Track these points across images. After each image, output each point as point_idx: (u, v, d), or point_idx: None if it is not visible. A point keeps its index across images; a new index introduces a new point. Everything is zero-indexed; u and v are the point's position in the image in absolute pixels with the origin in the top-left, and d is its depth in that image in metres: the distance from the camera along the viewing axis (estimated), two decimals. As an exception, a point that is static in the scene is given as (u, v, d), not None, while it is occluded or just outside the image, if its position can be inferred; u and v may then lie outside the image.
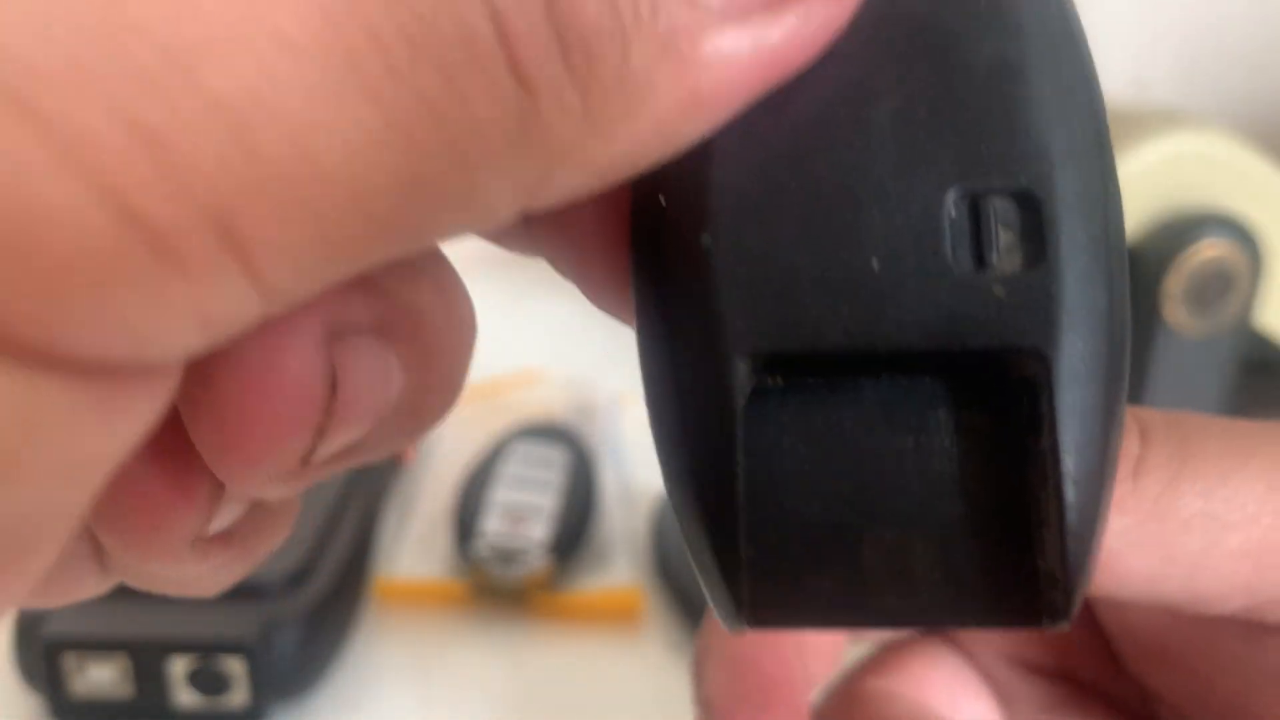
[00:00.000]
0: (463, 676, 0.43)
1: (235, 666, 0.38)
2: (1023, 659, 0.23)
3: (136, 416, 0.11)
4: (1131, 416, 0.18)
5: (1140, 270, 0.52)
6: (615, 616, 0.45)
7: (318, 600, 0.40)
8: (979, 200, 0.13)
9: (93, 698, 0.38)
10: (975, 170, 0.13)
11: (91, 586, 0.15)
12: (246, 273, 0.10)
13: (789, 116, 0.13)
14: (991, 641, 0.23)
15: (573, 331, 0.62)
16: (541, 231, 0.15)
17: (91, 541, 0.15)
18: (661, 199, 0.14)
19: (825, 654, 0.21)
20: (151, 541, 0.14)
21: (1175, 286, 0.51)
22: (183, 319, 0.10)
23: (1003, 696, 0.23)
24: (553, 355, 0.63)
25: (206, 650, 0.38)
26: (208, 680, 0.38)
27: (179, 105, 0.09)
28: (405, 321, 0.14)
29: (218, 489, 0.14)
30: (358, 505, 0.46)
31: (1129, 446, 0.17)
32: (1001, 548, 0.14)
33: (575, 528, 0.48)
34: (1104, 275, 0.13)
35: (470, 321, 0.16)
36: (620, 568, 0.48)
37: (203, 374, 0.13)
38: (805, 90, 0.13)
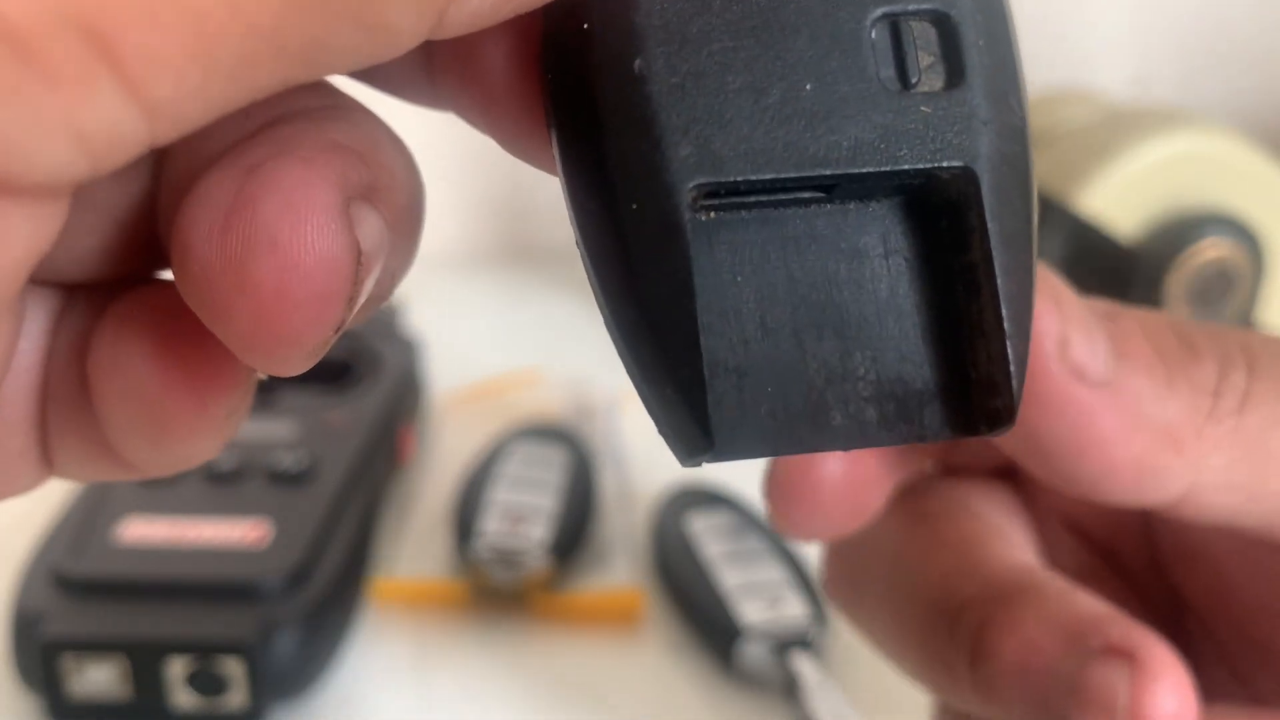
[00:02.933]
0: (462, 677, 0.43)
1: (234, 667, 0.38)
2: (1077, 521, 0.23)
3: (20, 241, 0.11)
4: (1239, 346, 0.18)
5: (1142, 269, 0.52)
6: (615, 617, 0.45)
7: (317, 601, 0.40)
8: (898, 22, 0.14)
9: (91, 699, 0.38)
10: None
11: (27, 482, 0.15)
12: (122, 84, 0.10)
13: None
14: (1050, 499, 0.23)
15: (573, 331, 0.62)
16: (447, 77, 0.15)
17: (40, 436, 0.15)
18: (586, 25, 0.13)
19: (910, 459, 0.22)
20: (200, 420, 0.14)
21: (1177, 286, 0.51)
22: (57, 133, 0.10)
23: (1048, 549, 0.23)
24: (553, 355, 0.63)
25: (205, 651, 0.37)
26: (206, 681, 0.38)
27: None
28: (385, 184, 0.14)
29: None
30: (357, 505, 0.46)
31: (1235, 379, 0.17)
32: (933, 365, 0.14)
33: (575, 528, 0.47)
34: (1015, 91, 0.14)
35: (419, 175, 0.16)
36: (620, 568, 0.48)
37: (231, 264, 0.12)
38: None
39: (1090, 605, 0.18)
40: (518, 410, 0.57)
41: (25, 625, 0.38)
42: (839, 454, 0.20)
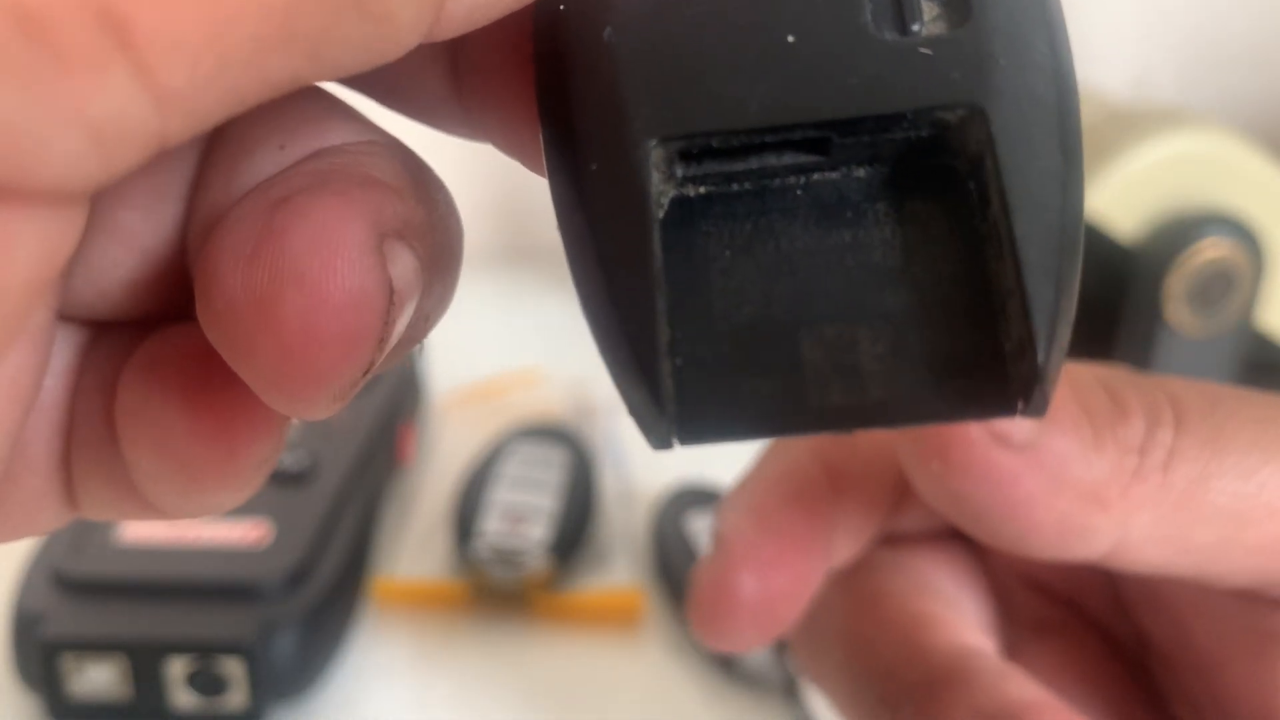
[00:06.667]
0: (463, 677, 0.43)
1: (234, 667, 0.38)
2: (1034, 578, 0.23)
3: (30, 254, 0.10)
4: (1168, 400, 0.18)
5: (1142, 269, 0.52)
6: (615, 617, 0.45)
7: (317, 601, 0.40)
8: None
9: (91, 699, 0.38)
10: None
11: (50, 521, 0.15)
12: (136, 71, 0.10)
13: None
14: (1005, 557, 0.23)
15: (573, 331, 0.62)
16: (475, 103, 0.15)
17: (64, 477, 0.15)
18: (563, 6, 0.13)
19: (855, 532, 0.21)
20: (229, 471, 0.14)
21: (1177, 286, 0.51)
22: (67, 122, 0.09)
23: (1005, 606, 0.23)
24: (553, 355, 0.63)
25: (205, 651, 0.37)
26: (206, 681, 0.38)
27: None
28: (422, 222, 0.14)
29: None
30: (357, 505, 0.46)
31: (1162, 436, 0.18)
32: (960, 335, 0.12)
33: (575, 528, 0.47)
34: (1041, 28, 0.13)
35: (458, 216, 0.15)
36: (620, 568, 0.48)
37: (257, 298, 0.12)
38: None
39: (1018, 692, 0.19)
40: (518, 410, 0.57)
41: (25, 625, 0.38)
42: (752, 572, 0.20)
